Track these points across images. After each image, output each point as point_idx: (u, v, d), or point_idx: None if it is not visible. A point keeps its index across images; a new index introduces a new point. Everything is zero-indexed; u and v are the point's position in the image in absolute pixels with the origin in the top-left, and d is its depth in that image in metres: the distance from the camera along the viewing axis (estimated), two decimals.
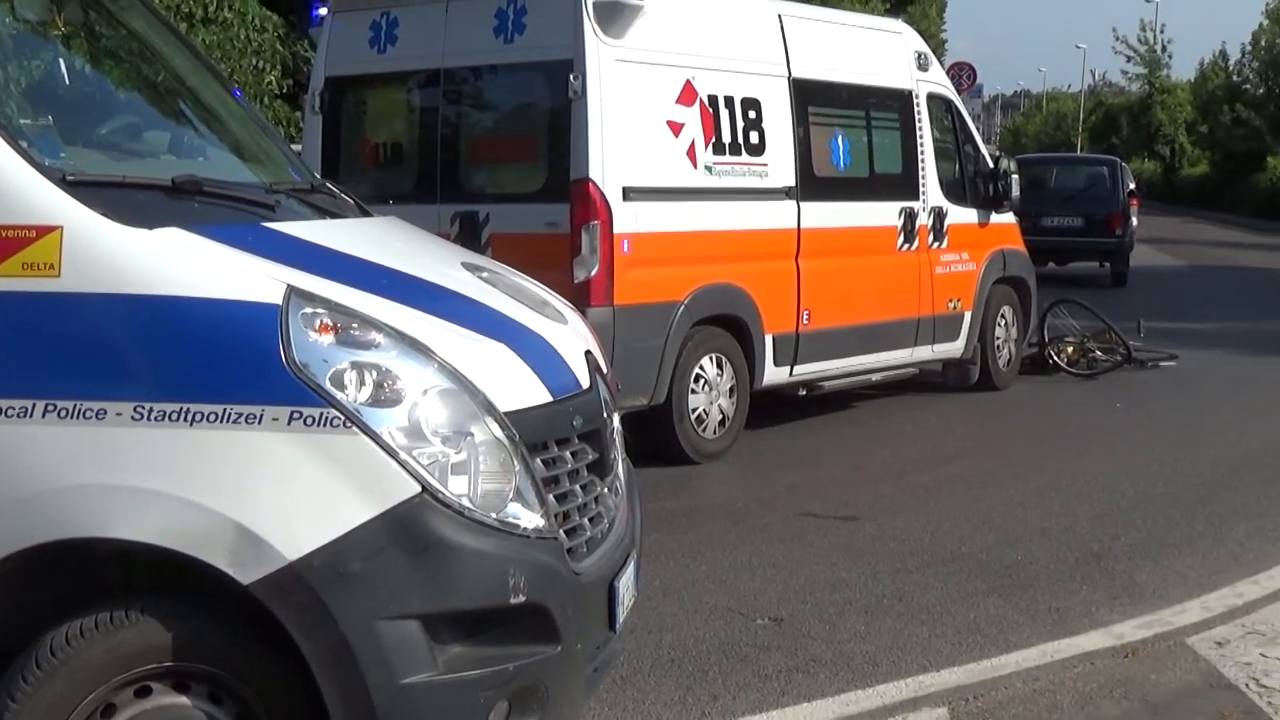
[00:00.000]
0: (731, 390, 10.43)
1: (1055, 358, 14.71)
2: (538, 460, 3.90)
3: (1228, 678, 5.87)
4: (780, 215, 10.82)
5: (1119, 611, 6.70)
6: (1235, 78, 57.60)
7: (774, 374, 10.85)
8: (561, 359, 4.24)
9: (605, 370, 4.63)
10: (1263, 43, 56.22)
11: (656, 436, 9.87)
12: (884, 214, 11.97)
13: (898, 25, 13.41)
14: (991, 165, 13.53)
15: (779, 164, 10.79)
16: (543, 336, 4.23)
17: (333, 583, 3.52)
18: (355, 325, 3.67)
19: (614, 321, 9.30)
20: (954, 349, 12.98)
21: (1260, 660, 6.07)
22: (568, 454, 4.09)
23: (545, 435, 3.98)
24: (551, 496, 3.92)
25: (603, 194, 9.32)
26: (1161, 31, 65.18)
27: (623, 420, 4.91)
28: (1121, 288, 24.44)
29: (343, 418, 3.56)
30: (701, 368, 10.19)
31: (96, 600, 3.67)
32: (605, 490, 4.33)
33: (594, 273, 9.28)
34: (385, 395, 3.63)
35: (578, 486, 4.11)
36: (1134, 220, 26.31)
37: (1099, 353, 14.89)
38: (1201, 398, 13.55)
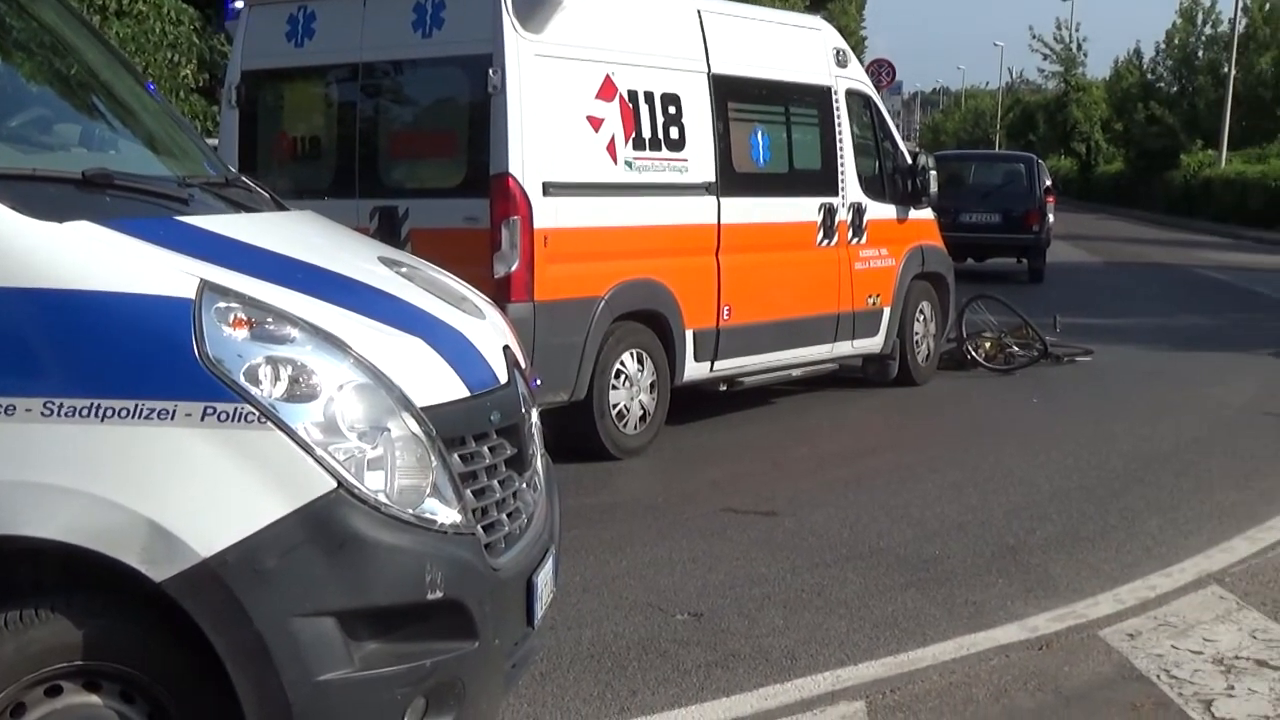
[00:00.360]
0: (652, 386, 10.44)
1: (973, 353, 14.83)
2: (455, 456, 3.88)
3: (1140, 669, 5.93)
4: (700, 211, 10.84)
5: (1033, 604, 6.77)
6: (1149, 76, 58.46)
7: (695, 369, 10.87)
8: (479, 354, 4.22)
9: (524, 365, 4.63)
10: (1176, 41, 57.13)
11: (577, 432, 9.85)
12: (803, 210, 12.02)
13: (817, 22, 13.48)
14: (910, 161, 13.60)
15: (699, 159, 10.81)
16: (460, 331, 4.21)
17: (247, 580, 3.49)
18: (270, 320, 3.64)
19: (534, 317, 9.27)
20: (873, 344, 13.05)
21: (1171, 652, 6.14)
22: (485, 449, 4.07)
23: (463, 430, 3.97)
24: (469, 492, 3.90)
25: (522, 189, 9.29)
26: (1077, 30, 66.17)
27: (543, 416, 4.90)
28: (1038, 284, 24.69)
29: (257, 413, 3.52)
30: (622, 363, 10.19)
31: (6, 598, 3.61)
32: (524, 485, 4.32)
33: (514, 268, 9.25)
34: (300, 390, 3.60)
35: (495, 482, 4.10)
36: (1050, 217, 26.58)
37: (1016, 348, 15.03)
38: (1116, 392, 13.71)
